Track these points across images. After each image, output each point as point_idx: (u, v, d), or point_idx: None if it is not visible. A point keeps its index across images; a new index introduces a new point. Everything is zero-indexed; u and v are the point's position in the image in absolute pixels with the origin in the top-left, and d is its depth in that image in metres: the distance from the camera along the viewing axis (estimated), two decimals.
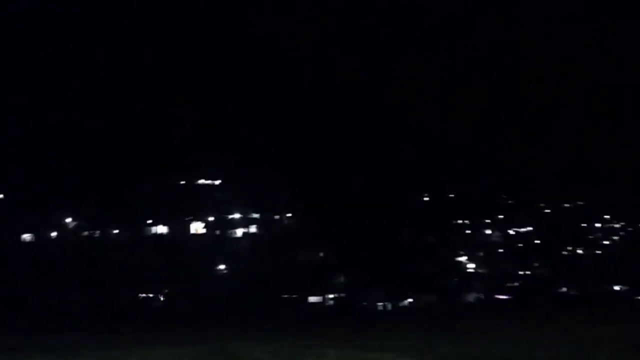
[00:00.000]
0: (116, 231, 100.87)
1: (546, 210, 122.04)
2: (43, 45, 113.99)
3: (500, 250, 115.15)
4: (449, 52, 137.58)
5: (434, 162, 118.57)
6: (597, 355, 30.09)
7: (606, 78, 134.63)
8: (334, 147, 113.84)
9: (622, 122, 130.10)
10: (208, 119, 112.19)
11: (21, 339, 44.96)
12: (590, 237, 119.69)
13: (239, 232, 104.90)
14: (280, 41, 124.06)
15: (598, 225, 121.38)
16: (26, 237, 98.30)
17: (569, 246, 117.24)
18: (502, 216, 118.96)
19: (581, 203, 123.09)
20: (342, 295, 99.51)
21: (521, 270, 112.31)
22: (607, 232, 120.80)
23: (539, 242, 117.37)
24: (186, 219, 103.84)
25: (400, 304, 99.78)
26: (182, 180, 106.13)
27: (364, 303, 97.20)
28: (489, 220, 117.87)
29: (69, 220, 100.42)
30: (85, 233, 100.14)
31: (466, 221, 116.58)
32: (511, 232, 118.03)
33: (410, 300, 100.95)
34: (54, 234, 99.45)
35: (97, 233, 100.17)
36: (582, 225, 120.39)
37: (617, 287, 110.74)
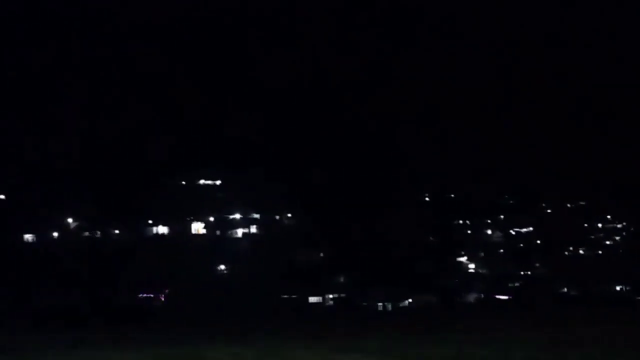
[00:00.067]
0: (117, 231, 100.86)
1: (548, 211, 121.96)
2: (44, 45, 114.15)
3: (501, 251, 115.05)
4: (449, 51, 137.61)
5: (435, 162, 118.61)
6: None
7: (607, 78, 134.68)
8: (334, 148, 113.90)
9: (624, 122, 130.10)
10: (209, 119, 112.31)
11: (21, 338, 45.04)
12: (592, 237, 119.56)
13: (240, 232, 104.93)
14: (281, 42, 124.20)
15: (600, 225, 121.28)
16: (27, 237, 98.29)
17: (571, 246, 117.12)
18: (503, 216, 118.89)
19: (583, 203, 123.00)
20: (342, 295, 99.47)
21: (522, 271, 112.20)
22: (608, 233, 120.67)
23: (540, 242, 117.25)
24: (187, 219, 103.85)
25: (401, 304, 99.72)
26: (183, 181, 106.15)
27: (364, 303, 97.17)
28: (490, 221, 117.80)
29: (70, 220, 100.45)
30: (86, 233, 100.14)
31: (467, 221, 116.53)
32: (512, 232, 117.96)
33: (410, 300, 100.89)
34: (55, 234, 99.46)
35: (98, 233, 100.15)
36: (584, 225, 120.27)
37: (618, 287, 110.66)
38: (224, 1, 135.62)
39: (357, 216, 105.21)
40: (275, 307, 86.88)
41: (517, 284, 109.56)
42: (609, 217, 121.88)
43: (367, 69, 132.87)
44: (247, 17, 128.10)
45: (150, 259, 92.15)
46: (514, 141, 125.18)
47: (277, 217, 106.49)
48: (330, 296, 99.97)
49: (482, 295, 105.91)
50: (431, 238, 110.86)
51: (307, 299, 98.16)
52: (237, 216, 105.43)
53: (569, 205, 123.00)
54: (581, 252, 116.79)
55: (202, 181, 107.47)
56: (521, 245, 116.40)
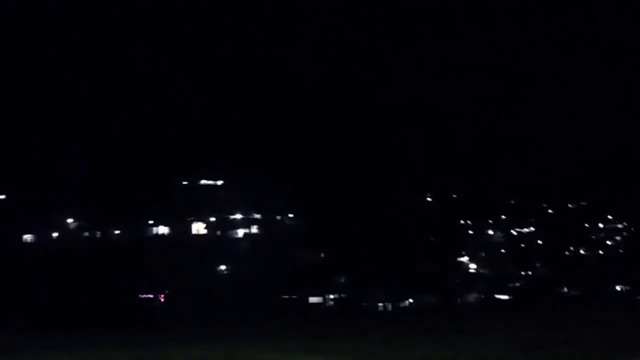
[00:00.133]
0: (117, 232, 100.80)
1: (549, 211, 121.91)
2: (44, 45, 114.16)
3: (503, 251, 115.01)
4: (449, 51, 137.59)
5: (437, 162, 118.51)
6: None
7: (607, 78, 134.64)
8: (335, 148, 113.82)
9: (626, 122, 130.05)
10: (209, 119, 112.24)
11: (21, 338, 45.10)
12: (593, 237, 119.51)
13: (240, 232, 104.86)
14: (281, 43, 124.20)
15: (601, 225, 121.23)
16: (27, 237, 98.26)
17: (571, 246, 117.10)
18: (504, 217, 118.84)
19: (584, 203, 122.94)
20: (343, 295, 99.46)
21: (523, 271, 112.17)
22: (610, 233, 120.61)
23: (541, 242, 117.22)
24: (188, 219, 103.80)
25: (401, 305, 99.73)
26: (184, 181, 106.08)
27: (364, 303, 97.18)
28: (491, 221, 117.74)
29: (70, 221, 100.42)
30: (87, 234, 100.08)
31: (468, 222, 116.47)
32: (514, 232, 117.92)
33: (411, 300, 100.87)
34: (55, 234, 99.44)
35: (98, 234, 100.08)
36: (585, 225, 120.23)
37: (619, 288, 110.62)
38: (224, 1, 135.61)
39: (358, 216, 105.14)
40: (276, 307, 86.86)
41: (517, 284, 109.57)
42: (609, 217, 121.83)
43: (368, 68, 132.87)
44: (247, 16, 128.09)
45: (150, 259, 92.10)
46: (515, 141, 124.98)
47: (278, 217, 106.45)
48: (331, 296, 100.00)
49: (483, 296, 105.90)
50: (432, 238, 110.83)
51: (308, 299, 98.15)
52: (238, 216, 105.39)
53: (570, 205, 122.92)
54: (582, 252, 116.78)
55: (203, 181, 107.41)
56: (522, 245, 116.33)
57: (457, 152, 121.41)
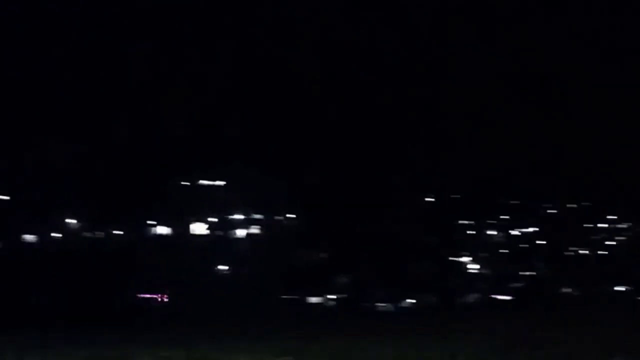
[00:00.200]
0: (118, 232, 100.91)
1: (550, 211, 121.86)
2: (43, 45, 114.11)
3: (503, 251, 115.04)
4: (449, 51, 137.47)
5: (437, 162, 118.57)
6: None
7: (607, 78, 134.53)
8: (335, 148, 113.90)
9: (626, 122, 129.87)
10: (209, 119, 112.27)
11: (22, 338, 45.00)
12: (595, 237, 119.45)
13: (241, 232, 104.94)
14: (281, 43, 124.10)
15: (603, 225, 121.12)
16: (28, 237, 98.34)
17: (573, 247, 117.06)
18: (506, 217, 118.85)
19: (586, 203, 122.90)
20: (343, 295, 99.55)
21: (524, 271, 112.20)
22: (612, 233, 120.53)
23: (543, 242, 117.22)
24: (188, 219, 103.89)
25: (402, 305, 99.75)
26: (184, 181, 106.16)
27: (365, 304, 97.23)
28: (492, 221, 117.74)
29: (70, 221, 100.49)
30: (87, 234, 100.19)
31: (469, 222, 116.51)
32: (515, 232, 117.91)
33: (412, 301, 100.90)
34: (55, 234, 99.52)
35: (99, 234, 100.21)
36: (587, 225, 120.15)
37: (621, 288, 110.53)
38: (224, 1, 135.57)
39: (358, 216, 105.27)
40: (276, 307, 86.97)
41: (518, 285, 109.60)
42: (611, 217, 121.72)
43: (368, 68, 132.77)
44: (247, 16, 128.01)
45: (151, 259, 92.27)
46: (515, 141, 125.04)
47: (279, 217, 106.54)
48: (331, 297, 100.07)
49: (483, 296, 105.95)
50: (432, 238, 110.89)
51: (308, 300, 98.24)
52: (239, 216, 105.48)
53: (572, 205, 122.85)
54: (584, 252, 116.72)
55: (203, 181, 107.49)
56: (523, 245, 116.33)
57: (458, 152, 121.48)
